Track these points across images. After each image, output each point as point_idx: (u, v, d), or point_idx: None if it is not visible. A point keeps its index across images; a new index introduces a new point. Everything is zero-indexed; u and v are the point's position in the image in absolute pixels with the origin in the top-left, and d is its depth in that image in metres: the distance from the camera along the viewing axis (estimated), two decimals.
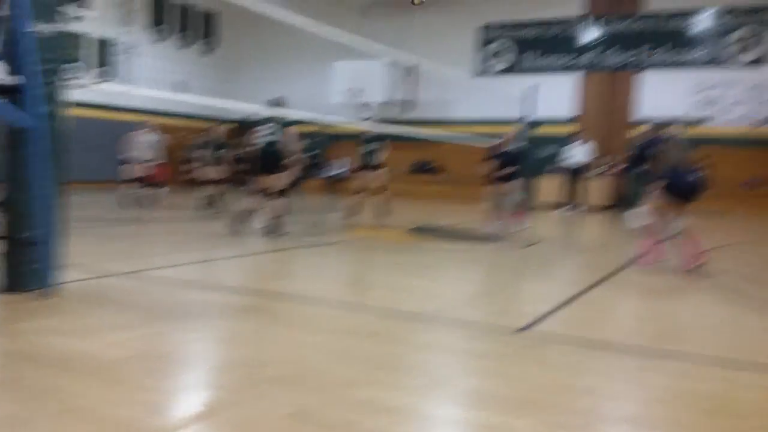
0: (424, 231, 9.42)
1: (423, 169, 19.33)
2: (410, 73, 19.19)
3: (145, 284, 4.88)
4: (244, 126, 13.49)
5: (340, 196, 10.05)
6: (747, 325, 4.21)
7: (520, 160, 9.43)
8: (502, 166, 9.22)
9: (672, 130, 6.57)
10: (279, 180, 7.74)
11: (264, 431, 2.19)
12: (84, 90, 11.21)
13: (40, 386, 2.52)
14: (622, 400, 2.68)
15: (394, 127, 11.50)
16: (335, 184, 16.76)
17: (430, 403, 2.57)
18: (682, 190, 5.97)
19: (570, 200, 14.66)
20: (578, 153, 14.90)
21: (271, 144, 7.71)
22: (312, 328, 3.73)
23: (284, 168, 7.80)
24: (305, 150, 8.51)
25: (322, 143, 17.77)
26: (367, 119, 9.96)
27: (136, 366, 2.82)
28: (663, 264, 6.22)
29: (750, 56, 16.31)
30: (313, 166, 15.10)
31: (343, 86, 18.63)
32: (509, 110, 15.18)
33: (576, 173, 14.70)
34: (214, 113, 18.60)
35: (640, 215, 6.42)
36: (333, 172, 17.36)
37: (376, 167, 10.33)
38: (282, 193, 7.84)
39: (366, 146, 10.47)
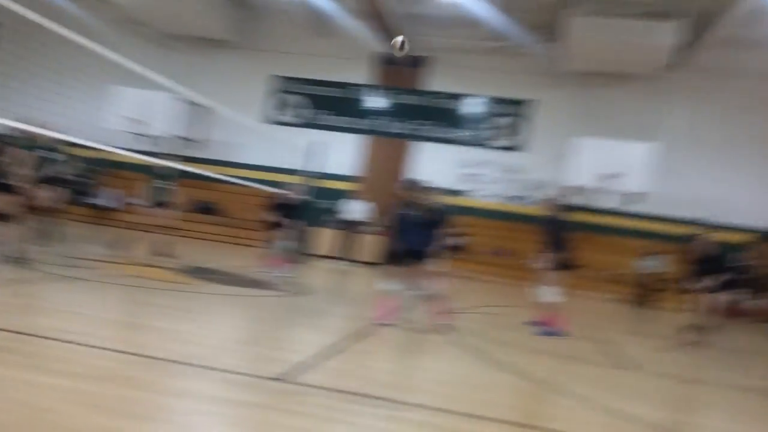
0: (196, 272, 9.16)
1: (204, 209, 18.85)
2: (204, 111, 18.84)
3: None
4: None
5: (106, 228, 9.44)
6: (482, 381, 4.73)
7: (299, 211, 9.73)
8: (283, 215, 9.45)
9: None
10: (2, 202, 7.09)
11: None
12: None
13: None
14: None
15: (179, 164, 11.13)
16: (103, 214, 15.65)
17: None
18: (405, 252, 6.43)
19: (343, 253, 15.40)
20: (356, 209, 15.79)
21: None
22: (57, 371, 3.43)
23: (9, 190, 7.18)
24: (76, 174, 7.99)
25: (93, 170, 16.58)
26: (148, 152, 9.58)
27: None
28: (412, 321, 6.74)
29: (505, 142, 18.69)
30: (79, 192, 14.00)
31: (123, 113, 17.64)
32: (295, 161, 15.55)
33: (351, 228, 15.58)
34: None
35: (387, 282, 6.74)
36: (101, 202, 16.23)
37: (165, 205, 9.97)
38: (5, 217, 7.16)
39: (157, 182, 10.12)
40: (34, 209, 7.98)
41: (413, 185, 6.96)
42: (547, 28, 17.20)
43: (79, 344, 4.15)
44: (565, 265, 7.38)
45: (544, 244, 7.40)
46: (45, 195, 8.31)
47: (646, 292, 15.45)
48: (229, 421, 2.96)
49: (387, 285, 6.41)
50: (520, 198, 18.69)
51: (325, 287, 10.44)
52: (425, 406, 3.70)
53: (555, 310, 7.35)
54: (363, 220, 15.90)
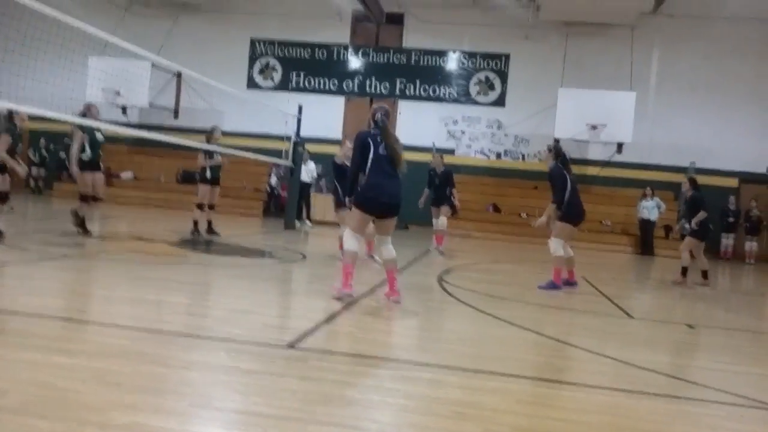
0: (193, 244, 9.09)
1: (191, 179, 18.63)
2: (180, 79, 18.47)
3: None
4: None
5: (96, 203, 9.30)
6: (490, 337, 4.76)
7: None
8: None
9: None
10: None
11: None
12: None
13: None
14: (379, 409, 2.87)
15: (157, 134, 10.96)
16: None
17: (193, 425, 2.51)
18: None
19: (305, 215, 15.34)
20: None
21: None
22: (63, 349, 3.40)
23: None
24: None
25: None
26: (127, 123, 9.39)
27: None
28: (417, 283, 6.75)
29: (488, 97, 18.57)
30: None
31: (99, 84, 17.25)
32: (277, 126, 15.37)
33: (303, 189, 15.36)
34: None
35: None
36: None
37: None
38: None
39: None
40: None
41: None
42: None
43: (88, 323, 4.12)
44: (571, 217, 7.38)
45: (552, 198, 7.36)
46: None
47: (647, 239, 15.67)
48: (244, 390, 2.95)
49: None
50: (507, 153, 18.68)
51: (322, 252, 10.42)
52: (438, 365, 3.71)
53: (563, 263, 7.38)
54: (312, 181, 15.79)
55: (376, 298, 5.88)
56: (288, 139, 14.29)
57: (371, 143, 5.49)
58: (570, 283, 7.51)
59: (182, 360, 3.37)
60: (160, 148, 18.18)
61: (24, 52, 8.21)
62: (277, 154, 14.62)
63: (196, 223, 10.08)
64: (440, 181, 10.67)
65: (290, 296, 6.25)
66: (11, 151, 7.63)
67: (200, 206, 10.14)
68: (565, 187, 7.30)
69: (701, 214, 8.95)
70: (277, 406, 2.75)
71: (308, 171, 15.18)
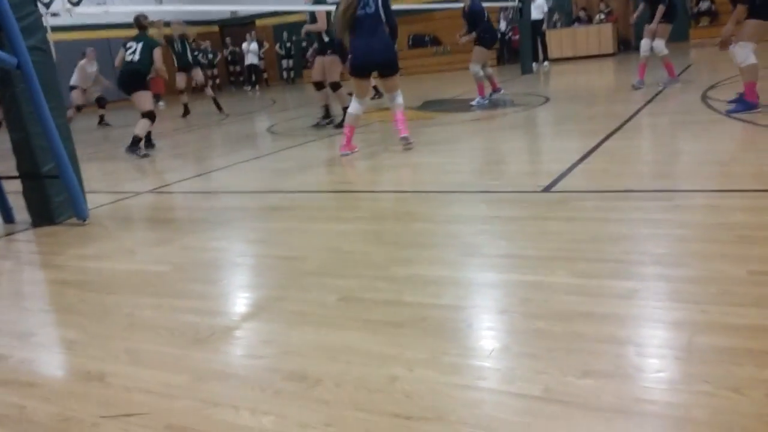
0: (428, 106, 9.32)
1: (421, 42, 18.75)
2: None
3: (167, 199, 4.96)
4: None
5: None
6: (755, 154, 4.23)
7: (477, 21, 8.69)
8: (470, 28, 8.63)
9: None
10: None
11: (317, 318, 2.30)
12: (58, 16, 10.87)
13: (101, 307, 2.64)
14: (651, 240, 2.76)
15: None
16: None
17: (467, 272, 2.67)
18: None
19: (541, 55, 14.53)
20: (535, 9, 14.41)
21: None
22: (339, 217, 3.82)
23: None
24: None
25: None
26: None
27: (182, 277, 2.93)
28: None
29: None
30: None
31: None
32: None
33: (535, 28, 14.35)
34: (193, 17, 17.90)
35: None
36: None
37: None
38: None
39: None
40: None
41: None
42: None
43: (357, 192, 4.53)
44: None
45: None
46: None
47: None
48: (509, 236, 3.04)
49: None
50: None
51: (566, 90, 9.97)
52: (712, 190, 3.43)
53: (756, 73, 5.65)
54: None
55: (628, 134, 5.52)
56: None
57: None
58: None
59: (445, 215, 3.57)
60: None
61: None
62: None
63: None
64: None
65: (538, 141, 6.15)
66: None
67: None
68: None
69: None
70: (544, 247, 2.80)
71: (538, 7, 14.28)
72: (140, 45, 7.39)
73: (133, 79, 7.38)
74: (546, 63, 14.58)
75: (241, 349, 2.15)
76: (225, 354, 2.11)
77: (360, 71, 5.74)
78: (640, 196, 3.51)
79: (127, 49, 7.46)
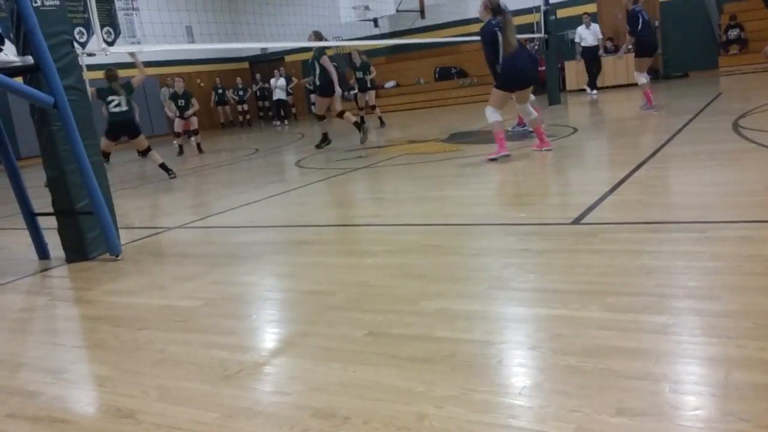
0: (455, 138, 9.36)
1: (448, 75, 18.89)
2: None
3: (197, 234, 5.02)
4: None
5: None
6: None
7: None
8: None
9: None
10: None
11: (345, 353, 2.29)
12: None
13: (133, 343, 2.67)
14: (684, 274, 2.71)
15: (409, 39, 11.25)
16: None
17: (496, 306, 2.65)
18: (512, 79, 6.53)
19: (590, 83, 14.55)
20: (587, 35, 14.52)
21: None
22: (367, 251, 3.82)
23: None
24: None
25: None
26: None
27: (211, 312, 2.96)
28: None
29: None
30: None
31: (349, 3, 18.11)
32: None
33: (587, 55, 14.47)
34: (224, 55, 18.32)
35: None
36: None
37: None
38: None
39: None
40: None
41: None
42: None
43: (382, 225, 4.54)
44: None
45: None
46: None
47: None
48: (538, 269, 3.01)
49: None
50: None
51: (585, 123, 9.93)
52: (744, 221, 3.36)
53: None
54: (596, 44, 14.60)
55: (658, 164, 5.46)
56: (537, 9, 13.57)
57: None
58: None
59: (474, 248, 3.55)
60: (413, 51, 18.67)
61: None
62: (528, 29, 14.03)
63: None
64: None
65: (567, 172, 6.11)
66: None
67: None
68: None
69: None
70: (574, 281, 2.76)
71: (593, 33, 14.38)
72: (122, 97, 8.38)
73: (128, 128, 8.54)
74: (593, 91, 14.59)
75: (270, 386, 2.14)
76: (253, 390, 2.11)
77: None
78: (672, 228, 3.46)
79: (109, 103, 8.37)
